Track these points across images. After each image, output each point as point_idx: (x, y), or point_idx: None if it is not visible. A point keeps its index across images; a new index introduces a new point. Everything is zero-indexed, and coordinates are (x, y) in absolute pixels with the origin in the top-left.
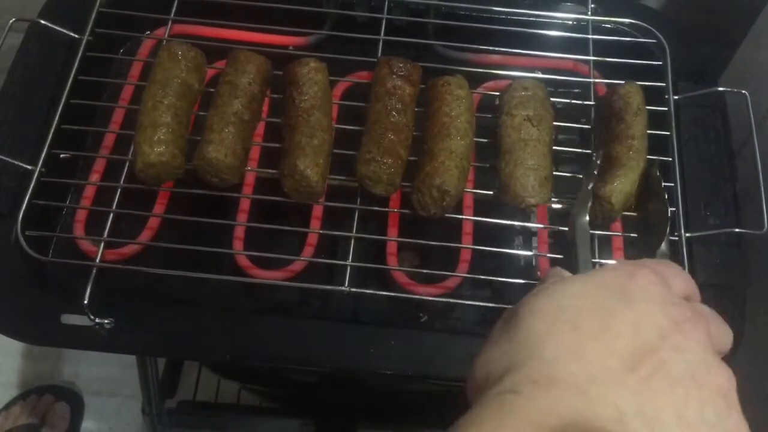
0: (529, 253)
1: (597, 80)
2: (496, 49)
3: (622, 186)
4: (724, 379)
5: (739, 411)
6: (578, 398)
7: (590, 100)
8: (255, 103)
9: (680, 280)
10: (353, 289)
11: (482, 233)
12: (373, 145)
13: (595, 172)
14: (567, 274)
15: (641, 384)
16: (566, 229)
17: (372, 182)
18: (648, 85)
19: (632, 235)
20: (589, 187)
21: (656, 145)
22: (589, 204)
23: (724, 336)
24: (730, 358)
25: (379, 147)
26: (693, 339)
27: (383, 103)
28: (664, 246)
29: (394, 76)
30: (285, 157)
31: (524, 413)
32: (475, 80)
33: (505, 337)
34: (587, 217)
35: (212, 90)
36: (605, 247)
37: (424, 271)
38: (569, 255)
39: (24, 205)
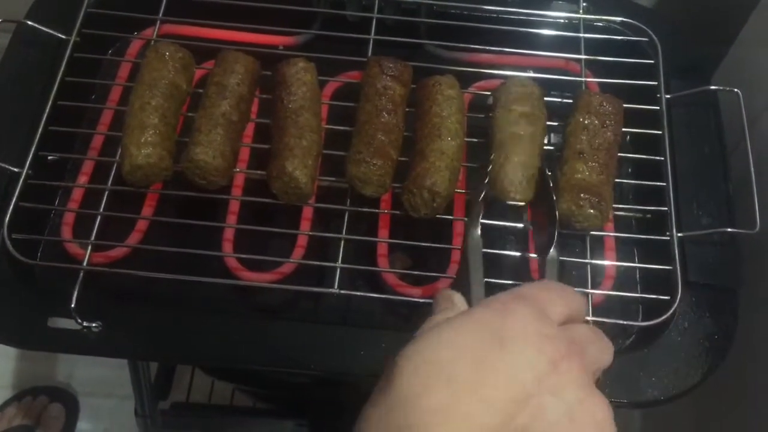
0: (520, 253)
1: (589, 79)
2: (488, 48)
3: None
4: (600, 414)
5: None
6: None
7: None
8: (243, 103)
9: (558, 306)
10: (343, 291)
11: None
12: (363, 146)
13: (486, 182)
14: (457, 297)
15: None
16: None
17: (362, 183)
18: (640, 84)
19: (624, 235)
20: (480, 199)
21: (648, 144)
22: (480, 217)
23: (604, 354)
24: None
25: (369, 148)
26: (568, 377)
27: (373, 104)
28: (553, 251)
29: (384, 76)
30: (273, 158)
31: None
32: (466, 80)
33: (382, 399)
34: (479, 232)
35: (201, 91)
36: (598, 247)
37: (415, 272)
38: (461, 274)
39: (10, 208)
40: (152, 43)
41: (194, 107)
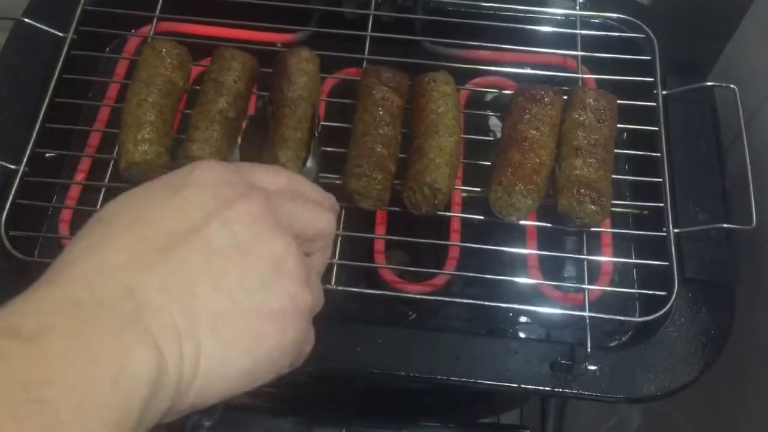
0: (518, 250)
1: (586, 75)
2: (485, 44)
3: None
4: (277, 248)
5: (294, 277)
6: (82, 288)
7: None
8: (241, 100)
9: (266, 174)
10: (340, 287)
11: (470, 230)
12: (362, 159)
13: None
14: None
15: (172, 263)
16: (556, 226)
17: (361, 197)
18: (636, 80)
19: (621, 231)
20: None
21: (645, 140)
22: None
23: (313, 217)
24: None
25: (369, 161)
26: (244, 214)
27: (371, 114)
28: (310, 163)
29: (382, 87)
30: (268, 148)
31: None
32: (463, 76)
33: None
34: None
35: (198, 88)
36: (594, 243)
37: (412, 269)
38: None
39: (8, 205)
40: (149, 40)
41: (191, 104)
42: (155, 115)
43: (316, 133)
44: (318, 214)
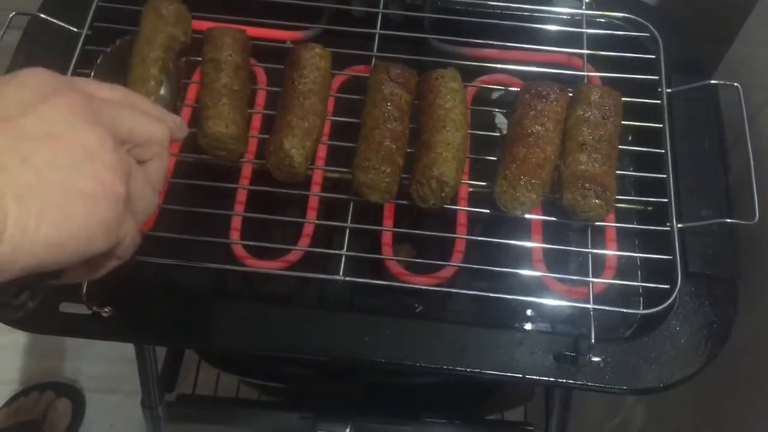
0: (524, 243)
1: (591, 73)
2: (492, 42)
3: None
4: (91, 140)
5: (109, 167)
6: None
7: None
8: (241, 71)
9: (100, 86)
10: (347, 278)
11: (477, 224)
12: (371, 153)
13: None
14: None
15: None
16: (561, 220)
17: (369, 190)
18: (641, 79)
19: (625, 225)
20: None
21: (649, 137)
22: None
23: (139, 123)
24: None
25: (377, 155)
26: (61, 106)
27: (380, 109)
28: (164, 90)
29: (391, 83)
30: (274, 134)
31: None
32: (471, 74)
33: None
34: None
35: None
36: (599, 237)
37: (418, 260)
38: None
39: None
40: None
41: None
42: (158, 70)
43: (171, 65)
44: (148, 120)
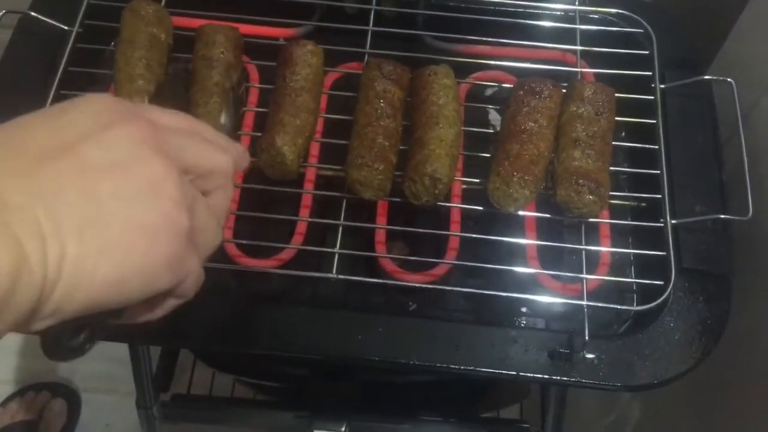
0: (517, 240)
1: (585, 70)
2: (485, 39)
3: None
4: (156, 171)
5: (173, 199)
6: None
7: None
8: (232, 70)
9: (163, 113)
10: (341, 276)
11: (471, 221)
12: (364, 150)
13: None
14: None
15: (42, 171)
16: (554, 216)
17: (363, 187)
18: (635, 75)
19: (619, 222)
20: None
21: (643, 133)
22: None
23: (205, 153)
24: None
25: (370, 152)
26: (125, 135)
27: (373, 106)
28: (224, 119)
29: (384, 79)
30: (266, 131)
31: None
32: (464, 71)
33: None
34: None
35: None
36: (593, 234)
37: (412, 258)
38: None
39: None
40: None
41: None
42: (144, 68)
43: (232, 92)
44: (213, 150)
